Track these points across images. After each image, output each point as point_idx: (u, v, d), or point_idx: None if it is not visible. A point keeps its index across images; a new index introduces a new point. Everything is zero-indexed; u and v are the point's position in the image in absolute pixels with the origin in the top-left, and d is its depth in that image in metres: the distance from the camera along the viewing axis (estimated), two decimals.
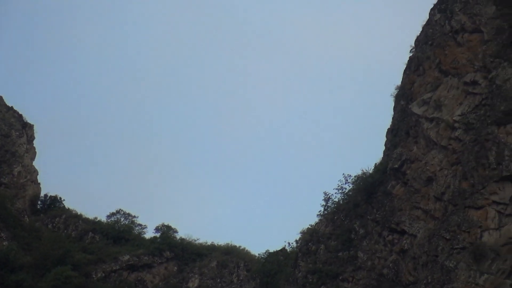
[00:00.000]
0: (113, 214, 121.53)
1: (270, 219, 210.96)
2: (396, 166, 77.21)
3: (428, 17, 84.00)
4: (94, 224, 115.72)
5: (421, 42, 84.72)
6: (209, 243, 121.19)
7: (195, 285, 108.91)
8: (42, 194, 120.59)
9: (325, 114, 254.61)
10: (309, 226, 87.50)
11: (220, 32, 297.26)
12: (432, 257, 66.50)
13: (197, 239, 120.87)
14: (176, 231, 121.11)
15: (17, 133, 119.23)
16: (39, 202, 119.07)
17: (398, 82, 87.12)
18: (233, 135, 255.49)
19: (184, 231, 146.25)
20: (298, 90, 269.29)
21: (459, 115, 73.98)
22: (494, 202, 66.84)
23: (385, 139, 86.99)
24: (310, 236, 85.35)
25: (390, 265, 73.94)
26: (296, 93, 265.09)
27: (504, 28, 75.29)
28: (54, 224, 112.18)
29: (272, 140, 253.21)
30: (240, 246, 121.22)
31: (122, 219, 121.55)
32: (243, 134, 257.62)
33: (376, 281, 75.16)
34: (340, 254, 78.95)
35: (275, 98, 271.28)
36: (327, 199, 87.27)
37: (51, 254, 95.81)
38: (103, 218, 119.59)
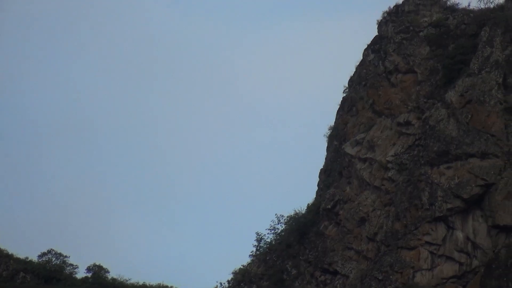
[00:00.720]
0: (44, 254, 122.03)
1: (203, 258, 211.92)
2: (329, 206, 79.15)
3: (361, 58, 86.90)
4: (25, 264, 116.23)
5: (354, 82, 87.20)
6: (141, 283, 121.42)
7: None
8: None
9: (257, 153, 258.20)
10: (241, 266, 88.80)
11: None
12: None
13: (129, 279, 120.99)
14: (107, 271, 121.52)
15: None
16: None
17: (332, 122, 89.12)
18: (166, 173, 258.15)
19: (116, 271, 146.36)
20: (229, 128, 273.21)
21: (392, 156, 76.10)
22: (426, 242, 68.66)
23: (318, 179, 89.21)
24: (242, 277, 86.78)
25: None
26: (227, 130, 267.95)
27: (438, 68, 78.07)
28: None
29: (204, 178, 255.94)
30: (172, 286, 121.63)
31: (54, 258, 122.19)
32: (176, 171, 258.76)
33: None
34: None
35: (209, 134, 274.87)
36: (259, 239, 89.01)
37: None
38: (34, 257, 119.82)
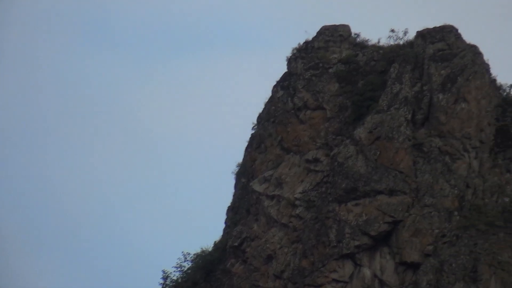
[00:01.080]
0: None
1: None
2: (236, 244, 79.71)
3: (271, 94, 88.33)
4: None
5: (263, 119, 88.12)
6: None
7: None
8: None
9: (162, 190, 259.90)
10: None
11: None
12: None
13: None
14: None
15: None
16: None
17: (240, 159, 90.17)
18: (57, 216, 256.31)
19: None
20: (132, 166, 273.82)
21: (300, 193, 77.55)
22: (333, 280, 70.35)
23: (225, 216, 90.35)
24: None
25: None
26: (130, 168, 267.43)
27: (347, 105, 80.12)
28: None
29: (109, 215, 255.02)
30: None
31: None
32: (73, 210, 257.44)
33: None
34: None
35: (112, 177, 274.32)
36: (165, 277, 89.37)
37: None
38: None
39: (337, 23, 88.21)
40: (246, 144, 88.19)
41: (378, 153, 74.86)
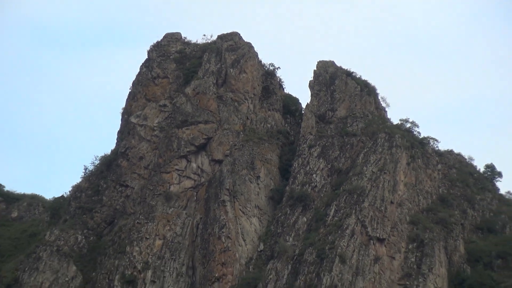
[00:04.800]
0: None
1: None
2: (123, 150, 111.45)
3: (139, 70, 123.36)
4: None
5: (135, 83, 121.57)
6: None
7: None
8: None
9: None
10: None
11: None
12: None
13: None
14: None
15: None
16: None
17: (123, 105, 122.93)
18: None
19: None
20: None
21: (157, 123, 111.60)
22: (176, 169, 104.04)
23: (116, 136, 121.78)
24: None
25: None
26: None
27: (181, 75, 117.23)
28: None
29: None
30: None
31: None
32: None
33: None
34: None
35: None
36: (85, 169, 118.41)
37: None
38: None
39: (174, 31, 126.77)
40: (127, 97, 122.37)
41: (198, 101, 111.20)
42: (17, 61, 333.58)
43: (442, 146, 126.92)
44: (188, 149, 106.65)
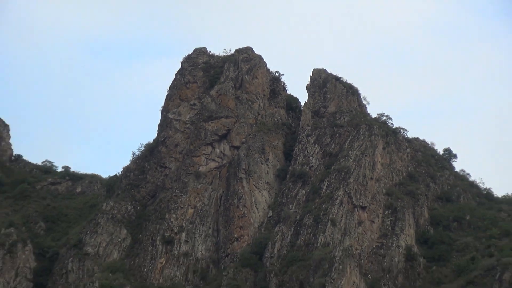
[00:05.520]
0: None
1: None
2: (162, 139, 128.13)
3: (174, 77, 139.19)
4: None
5: (172, 87, 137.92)
6: None
7: None
8: None
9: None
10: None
11: None
12: None
13: None
14: None
15: None
16: None
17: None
18: None
19: None
20: None
21: (188, 117, 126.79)
22: (204, 154, 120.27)
23: (157, 128, 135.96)
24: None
25: None
26: None
27: (207, 80, 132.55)
28: None
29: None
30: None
31: None
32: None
33: None
34: None
35: None
36: (134, 153, 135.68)
37: None
38: None
39: (201, 46, 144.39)
40: (165, 98, 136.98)
41: (220, 101, 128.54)
42: (83, 72, 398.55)
43: (410, 134, 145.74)
44: (213, 138, 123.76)
